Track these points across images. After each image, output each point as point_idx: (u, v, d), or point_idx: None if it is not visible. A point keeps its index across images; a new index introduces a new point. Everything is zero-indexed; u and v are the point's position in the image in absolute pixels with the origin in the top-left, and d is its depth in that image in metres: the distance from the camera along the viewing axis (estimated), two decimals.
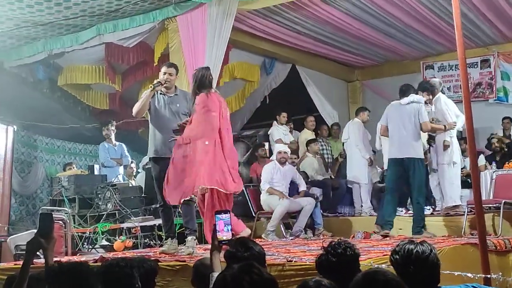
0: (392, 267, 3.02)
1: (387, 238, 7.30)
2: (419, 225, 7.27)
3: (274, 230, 8.00)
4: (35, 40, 9.50)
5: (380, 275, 2.17)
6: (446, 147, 7.79)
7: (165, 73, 6.11)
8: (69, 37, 9.29)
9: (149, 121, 6.24)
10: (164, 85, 6.09)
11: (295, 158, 9.35)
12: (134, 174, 9.88)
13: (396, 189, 7.52)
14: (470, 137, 4.23)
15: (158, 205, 6.44)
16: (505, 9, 9.32)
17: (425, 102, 7.87)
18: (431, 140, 8.10)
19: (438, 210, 8.24)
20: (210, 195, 5.81)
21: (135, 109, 6.15)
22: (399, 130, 7.44)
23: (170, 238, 6.16)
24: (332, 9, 9.00)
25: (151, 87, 6.04)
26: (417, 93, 7.88)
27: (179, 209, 7.70)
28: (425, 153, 7.76)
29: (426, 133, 7.84)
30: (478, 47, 11.24)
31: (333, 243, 3.27)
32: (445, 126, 7.72)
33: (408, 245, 2.93)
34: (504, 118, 10.41)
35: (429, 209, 8.07)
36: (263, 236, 7.97)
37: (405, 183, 7.45)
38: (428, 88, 8.13)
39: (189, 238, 6.08)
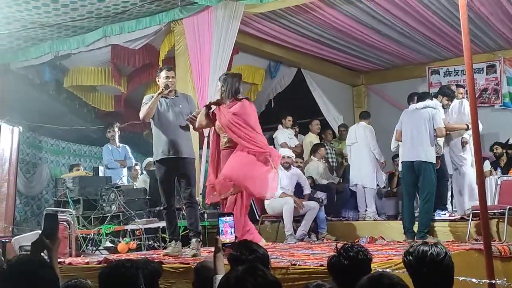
0: (405, 269, 3.01)
1: (391, 243, 7.29)
2: (423, 230, 7.26)
3: (291, 233, 7.97)
4: (42, 42, 9.54)
5: (386, 279, 2.16)
6: (464, 143, 7.82)
7: (168, 77, 6.13)
8: (76, 38, 9.32)
9: (152, 125, 6.27)
10: (170, 89, 6.13)
11: (301, 162, 9.33)
12: (139, 176, 9.90)
13: (412, 195, 7.54)
14: (476, 143, 4.22)
15: (162, 208, 6.45)
16: (511, 14, 9.32)
17: (444, 107, 7.97)
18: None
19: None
20: (245, 197, 5.95)
21: (142, 113, 6.17)
22: (412, 134, 7.50)
23: (174, 241, 6.17)
24: (338, 14, 9.01)
25: (162, 89, 6.05)
26: (437, 97, 8.01)
27: (183, 212, 7.71)
28: (438, 158, 7.75)
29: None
30: (484, 53, 11.23)
31: (346, 245, 3.27)
32: (467, 124, 7.71)
33: (423, 247, 2.86)
34: None
35: (445, 214, 8.04)
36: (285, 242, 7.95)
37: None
38: (449, 94, 8.18)
39: (193, 240, 6.09)
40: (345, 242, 3.43)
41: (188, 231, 6.32)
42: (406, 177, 7.56)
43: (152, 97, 6.12)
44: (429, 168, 7.33)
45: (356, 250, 3.24)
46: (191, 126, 6.21)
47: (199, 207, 8.36)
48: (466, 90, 8.53)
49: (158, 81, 6.22)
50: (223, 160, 6.05)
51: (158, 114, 6.15)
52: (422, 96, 7.78)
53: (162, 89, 6.06)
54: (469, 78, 4.07)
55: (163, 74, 6.16)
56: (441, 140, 7.88)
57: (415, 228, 7.45)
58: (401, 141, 7.88)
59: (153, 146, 6.27)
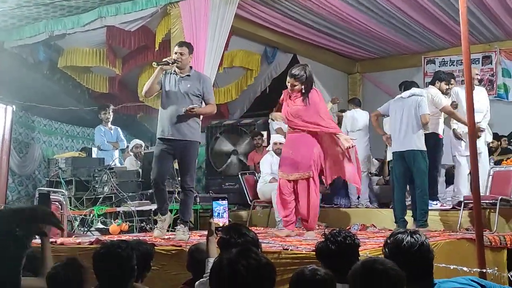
0: None
1: (382, 231, 7.32)
2: (422, 219, 7.27)
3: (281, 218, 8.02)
4: (37, 21, 9.43)
5: (379, 264, 2.17)
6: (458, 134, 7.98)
7: (176, 52, 5.96)
8: (71, 18, 9.22)
9: (160, 101, 6.11)
10: (175, 64, 5.92)
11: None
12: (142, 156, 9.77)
13: (402, 184, 7.54)
14: (471, 132, 4.22)
15: (152, 185, 6.27)
16: (510, 5, 9.30)
17: (444, 92, 8.09)
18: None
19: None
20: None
21: (144, 89, 6.03)
22: (400, 124, 7.48)
23: (163, 215, 6.12)
24: (335, 0, 8.97)
25: (154, 65, 5.93)
26: (434, 84, 8.09)
27: (175, 195, 7.71)
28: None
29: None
30: (480, 43, 11.23)
31: (334, 231, 3.28)
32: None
33: (400, 235, 2.77)
34: None
35: (436, 204, 8.08)
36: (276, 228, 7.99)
37: (412, 178, 7.48)
38: (445, 78, 8.25)
39: (178, 227, 6.01)
40: (333, 228, 3.45)
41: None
42: (397, 167, 7.56)
43: (169, 72, 6.00)
44: (419, 156, 7.34)
45: (344, 235, 3.26)
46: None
47: (195, 195, 8.39)
48: (462, 81, 8.61)
49: None
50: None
51: (165, 91, 5.98)
52: (408, 85, 7.76)
53: (159, 63, 5.87)
54: (466, 68, 4.07)
55: (174, 49, 6.03)
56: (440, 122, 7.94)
57: (407, 217, 7.47)
58: (375, 122, 8.08)
59: (158, 122, 6.10)
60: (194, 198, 8.16)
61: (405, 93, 7.60)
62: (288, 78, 6.25)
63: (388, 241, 2.84)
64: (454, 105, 8.01)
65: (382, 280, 2.12)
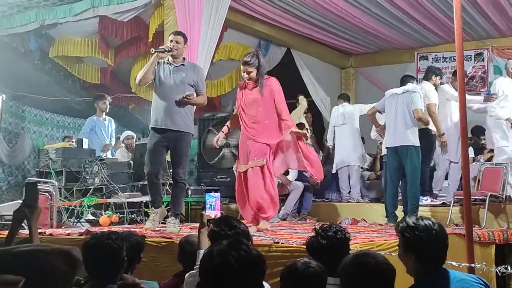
0: (386, 251, 3.01)
1: (373, 225, 7.34)
2: (413, 213, 7.21)
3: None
4: (28, 10, 9.36)
5: (370, 257, 2.16)
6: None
7: (171, 41, 5.92)
8: (63, 8, 9.16)
9: (153, 91, 6.06)
10: (170, 52, 5.88)
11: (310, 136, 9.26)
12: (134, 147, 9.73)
13: (395, 179, 7.54)
14: (463, 129, 4.23)
15: (145, 177, 6.23)
16: (502, 4, 9.33)
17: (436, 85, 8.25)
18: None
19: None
20: None
21: (138, 77, 5.94)
22: (395, 120, 7.49)
23: (156, 209, 6.03)
24: None
25: (152, 51, 5.85)
26: (429, 79, 8.22)
27: (167, 187, 7.68)
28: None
29: None
30: (473, 40, 11.25)
31: (325, 225, 3.28)
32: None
33: (415, 219, 2.74)
34: None
35: (427, 200, 8.12)
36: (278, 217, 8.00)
37: (404, 173, 7.50)
38: (440, 73, 8.48)
39: (169, 219, 5.97)
40: (323, 223, 3.44)
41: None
42: (390, 162, 7.56)
43: (163, 62, 5.93)
44: (413, 151, 7.35)
45: (335, 229, 3.26)
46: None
47: (186, 187, 8.36)
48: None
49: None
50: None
51: (159, 80, 5.92)
52: (403, 81, 7.77)
53: (156, 50, 5.79)
54: (459, 64, 4.07)
55: (169, 37, 5.99)
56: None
57: (398, 212, 7.49)
58: (373, 120, 8.10)
59: (151, 112, 6.04)
60: (186, 191, 8.19)
61: (400, 89, 7.62)
62: (242, 67, 6.12)
63: (402, 224, 2.78)
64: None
65: (374, 273, 2.12)
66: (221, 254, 1.95)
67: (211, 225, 3.62)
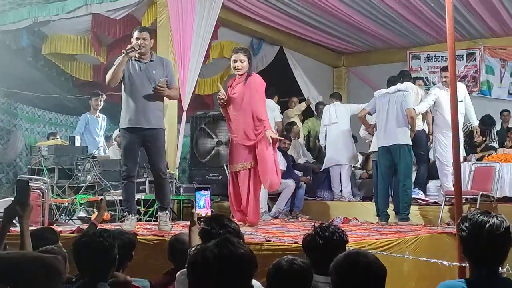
0: (378, 250, 2.99)
1: (365, 224, 7.36)
2: (405, 212, 7.32)
3: (265, 210, 8.04)
4: (20, 6, 9.33)
5: (362, 257, 2.17)
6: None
7: (138, 38, 5.73)
8: (55, 5, 9.13)
9: (122, 90, 5.90)
10: (139, 51, 5.72)
11: (288, 144, 9.25)
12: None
13: (386, 178, 7.55)
14: (455, 128, 4.25)
15: (121, 177, 6.07)
16: (494, 4, 9.37)
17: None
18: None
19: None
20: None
21: (107, 77, 5.77)
22: (387, 119, 7.50)
23: (131, 214, 5.87)
24: None
25: (123, 52, 5.66)
26: (414, 82, 8.35)
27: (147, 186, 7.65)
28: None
29: None
30: (465, 40, 11.31)
31: (323, 225, 3.28)
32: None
33: (482, 216, 2.48)
34: (503, 111, 10.53)
35: (422, 194, 8.19)
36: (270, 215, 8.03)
37: (395, 172, 7.54)
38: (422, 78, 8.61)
39: (160, 213, 5.91)
40: (322, 222, 3.45)
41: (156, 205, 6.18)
42: (382, 161, 7.59)
43: (130, 59, 5.79)
44: (405, 150, 7.37)
45: (332, 230, 3.26)
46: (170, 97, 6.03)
47: (176, 181, 8.36)
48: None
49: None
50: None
51: (129, 79, 5.76)
52: (392, 81, 7.76)
53: (126, 50, 5.62)
54: (451, 63, 4.09)
55: (135, 34, 5.79)
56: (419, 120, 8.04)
57: (389, 211, 7.52)
58: (364, 121, 8.17)
59: (121, 112, 5.91)
60: (177, 189, 8.20)
61: (391, 89, 7.63)
62: (234, 55, 6.10)
63: (469, 216, 2.55)
64: None
65: (365, 272, 2.13)
66: (203, 251, 1.95)
67: (202, 223, 3.63)
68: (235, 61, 6.07)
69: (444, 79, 8.21)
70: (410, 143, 7.45)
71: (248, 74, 6.06)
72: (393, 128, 7.42)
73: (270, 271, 2.57)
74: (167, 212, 5.96)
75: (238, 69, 6.06)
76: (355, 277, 2.13)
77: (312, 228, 3.32)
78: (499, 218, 2.45)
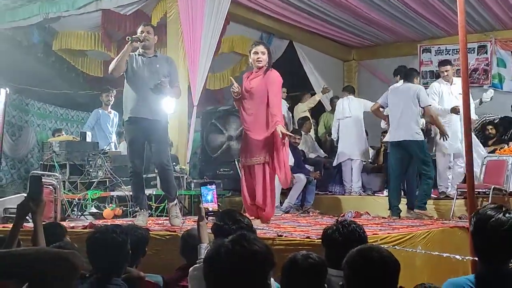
0: (390, 244, 2.98)
1: (377, 218, 7.35)
2: (423, 200, 7.35)
3: (277, 204, 7.96)
4: (31, 3, 9.36)
5: (375, 252, 2.16)
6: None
7: (142, 32, 5.81)
8: (66, 1, 9.16)
9: (124, 83, 5.94)
10: (143, 42, 5.77)
11: (298, 139, 9.23)
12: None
13: (399, 173, 7.52)
14: (467, 122, 4.22)
15: (129, 173, 6.11)
16: None
17: None
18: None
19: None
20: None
21: (111, 66, 5.80)
22: (400, 114, 7.45)
23: (143, 210, 5.91)
24: None
25: (128, 39, 5.71)
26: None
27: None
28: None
29: None
30: (476, 33, 11.23)
31: (344, 222, 3.26)
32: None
33: (490, 211, 2.45)
34: None
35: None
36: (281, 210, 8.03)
37: (407, 166, 7.52)
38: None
39: (169, 205, 5.92)
40: (345, 219, 3.43)
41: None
42: (393, 155, 7.57)
43: (134, 54, 5.85)
44: (418, 146, 7.34)
45: (353, 228, 3.23)
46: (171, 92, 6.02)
47: (186, 176, 8.38)
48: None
49: None
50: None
51: (132, 71, 5.81)
52: (407, 76, 7.69)
53: (131, 37, 5.66)
54: (463, 57, 4.06)
55: (139, 29, 5.88)
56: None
57: (401, 206, 7.49)
58: (377, 114, 8.11)
59: (123, 104, 5.95)
60: (188, 184, 8.21)
61: (404, 85, 7.57)
62: (254, 47, 6.10)
63: (480, 211, 2.54)
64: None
65: (378, 268, 2.12)
66: (218, 248, 1.94)
67: (212, 218, 3.64)
68: (256, 53, 6.05)
69: (445, 74, 8.14)
70: (422, 138, 7.41)
71: (267, 68, 6.04)
72: (406, 123, 7.38)
73: (285, 266, 2.57)
74: (175, 203, 5.97)
75: (260, 61, 6.04)
76: (368, 272, 2.12)
77: (335, 222, 3.30)
78: (507, 215, 2.40)
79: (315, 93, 11.39)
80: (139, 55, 5.88)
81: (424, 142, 7.46)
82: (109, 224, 3.84)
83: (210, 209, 3.68)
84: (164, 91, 5.83)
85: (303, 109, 10.55)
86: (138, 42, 5.77)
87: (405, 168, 7.51)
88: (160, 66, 5.88)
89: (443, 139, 7.64)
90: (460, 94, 7.71)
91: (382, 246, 3.06)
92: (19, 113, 10.76)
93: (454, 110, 7.85)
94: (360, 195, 9.08)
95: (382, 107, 8.00)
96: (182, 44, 8.47)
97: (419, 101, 7.40)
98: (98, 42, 9.68)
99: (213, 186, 3.74)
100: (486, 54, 11.47)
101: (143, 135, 5.86)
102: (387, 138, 8.01)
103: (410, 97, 7.43)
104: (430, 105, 7.50)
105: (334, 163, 9.45)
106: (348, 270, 2.16)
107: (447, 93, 8.01)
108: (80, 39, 9.72)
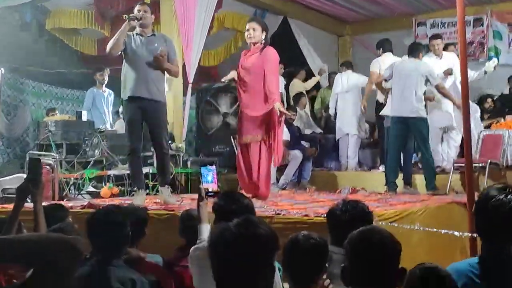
0: (387, 221, 3.00)
1: (373, 195, 7.36)
2: (433, 182, 7.27)
3: (273, 182, 7.93)
4: None
5: (376, 233, 2.17)
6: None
7: (139, 11, 5.84)
8: None
9: (123, 63, 5.97)
10: (140, 21, 5.79)
11: (294, 115, 9.22)
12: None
13: (398, 148, 7.47)
14: (464, 96, 4.22)
15: (127, 153, 6.15)
16: None
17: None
18: None
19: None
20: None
21: (109, 45, 5.83)
22: (403, 89, 7.32)
23: (141, 189, 5.95)
24: None
25: (125, 17, 5.72)
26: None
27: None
28: None
29: None
30: (471, 5, 11.13)
31: (352, 202, 3.27)
32: None
33: (493, 191, 2.42)
34: (511, 77, 10.45)
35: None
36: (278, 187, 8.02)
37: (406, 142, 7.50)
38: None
39: (161, 188, 5.98)
40: (351, 199, 3.44)
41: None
42: (395, 131, 7.45)
43: (132, 34, 5.85)
44: (421, 124, 7.28)
45: (360, 210, 3.25)
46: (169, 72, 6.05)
47: (182, 154, 8.39)
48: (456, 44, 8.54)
49: None
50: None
51: (130, 50, 5.84)
52: (412, 50, 7.57)
53: (128, 16, 5.68)
54: (461, 29, 4.04)
55: (136, 8, 5.91)
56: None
57: (398, 182, 7.49)
58: (380, 87, 8.00)
59: (122, 83, 5.98)
60: (184, 162, 8.23)
61: (411, 60, 7.48)
62: (247, 24, 6.12)
63: (483, 192, 2.54)
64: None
65: (379, 251, 2.13)
66: (223, 232, 1.94)
67: (209, 197, 3.65)
68: (248, 29, 6.06)
69: (436, 47, 8.12)
70: (426, 115, 7.37)
71: (264, 46, 6.00)
72: (410, 99, 7.24)
73: (287, 246, 2.59)
74: (167, 186, 6.02)
75: (250, 37, 6.04)
76: (369, 254, 2.13)
77: (341, 201, 3.31)
78: (509, 196, 2.38)
79: (310, 69, 11.36)
80: (136, 34, 5.89)
81: (426, 120, 7.38)
82: (109, 205, 3.84)
83: (210, 189, 3.69)
84: (163, 65, 5.84)
85: (299, 86, 10.51)
86: (136, 21, 5.76)
87: (404, 143, 7.48)
88: (158, 45, 5.89)
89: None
90: (449, 67, 7.80)
91: (381, 223, 3.08)
92: (14, 92, 10.68)
93: (447, 72, 7.89)
94: (356, 171, 9.09)
95: (386, 81, 7.90)
96: (176, 21, 8.41)
97: (428, 80, 7.33)
98: (91, 21, 9.60)
99: (213, 167, 3.77)
100: (482, 26, 11.42)
101: (142, 115, 5.88)
102: (387, 112, 7.95)
103: (418, 74, 7.28)
104: (439, 82, 7.45)
105: (337, 139, 9.42)
106: (350, 252, 2.17)
107: (437, 67, 7.96)
108: (73, 17, 9.63)
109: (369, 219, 3.23)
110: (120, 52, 5.89)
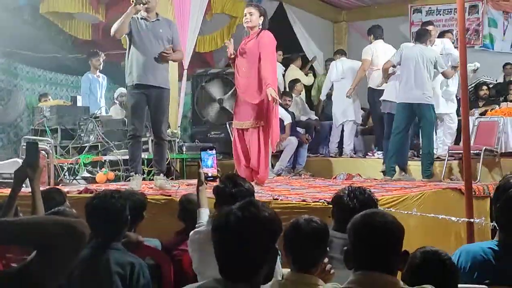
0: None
1: (369, 180, 7.39)
2: (429, 169, 7.27)
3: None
4: None
5: (379, 217, 2.17)
6: None
7: None
8: None
9: (128, 47, 5.94)
10: (146, 5, 5.74)
11: (289, 101, 9.21)
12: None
13: (403, 133, 7.38)
14: (464, 83, 4.23)
15: (128, 137, 6.14)
16: None
17: None
18: None
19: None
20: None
21: (113, 28, 5.79)
22: (412, 74, 7.23)
23: (137, 174, 5.96)
24: None
25: (132, 2, 5.66)
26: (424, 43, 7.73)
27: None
28: None
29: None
30: None
31: (357, 192, 3.28)
32: None
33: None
34: (506, 64, 10.48)
35: None
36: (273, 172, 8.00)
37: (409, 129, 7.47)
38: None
39: (157, 177, 5.99)
40: (358, 186, 3.45)
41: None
42: (401, 117, 7.33)
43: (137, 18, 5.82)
44: (429, 110, 7.23)
45: (366, 197, 3.27)
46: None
47: (178, 140, 8.38)
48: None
49: None
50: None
51: (137, 35, 5.82)
52: (420, 36, 7.48)
53: (132, 1, 5.62)
54: (461, 16, 4.04)
55: None
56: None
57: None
58: (386, 73, 7.83)
59: (127, 69, 5.96)
60: (180, 148, 8.22)
61: (417, 45, 7.43)
62: (245, 9, 6.09)
63: (501, 182, 2.58)
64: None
65: (382, 235, 2.13)
66: (226, 215, 1.94)
67: (209, 181, 3.66)
68: (245, 14, 6.03)
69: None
70: (433, 102, 7.32)
71: (260, 30, 5.99)
72: (418, 85, 7.17)
73: (288, 230, 2.59)
74: (162, 175, 6.03)
75: (246, 21, 6.00)
76: (372, 238, 2.13)
77: (346, 188, 3.32)
78: None
79: (305, 55, 11.35)
80: (141, 19, 5.85)
81: (433, 107, 7.33)
82: (108, 189, 3.84)
83: (210, 174, 3.69)
84: (169, 58, 5.89)
85: (295, 73, 10.49)
86: (141, 5, 5.71)
87: (408, 130, 7.42)
88: (163, 30, 5.89)
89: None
90: (442, 54, 7.76)
91: (388, 212, 3.08)
92: (7, 77, 10.63)
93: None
94: (351, 157, 9.10)
95: (394, 66, 7.77)
96: (172, 6, 8.35)
97: (437, 67, 7.31)
98: (86, 5, 9.50)
99: (213, 151, 3.76)
100: (478, 14, 11.42)
101: (146, 101, 5.90)
102: (388, 96, 7.89)
103: (427, 61, 7.21)
104: (447, 69, 7.44)
105: (336, 125, 9.38)
106: (353, 236, 2.17)
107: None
108: (68, 1, 9.52)
109: (375, 207, 3.26)
110: (124, 35, 5.89)
